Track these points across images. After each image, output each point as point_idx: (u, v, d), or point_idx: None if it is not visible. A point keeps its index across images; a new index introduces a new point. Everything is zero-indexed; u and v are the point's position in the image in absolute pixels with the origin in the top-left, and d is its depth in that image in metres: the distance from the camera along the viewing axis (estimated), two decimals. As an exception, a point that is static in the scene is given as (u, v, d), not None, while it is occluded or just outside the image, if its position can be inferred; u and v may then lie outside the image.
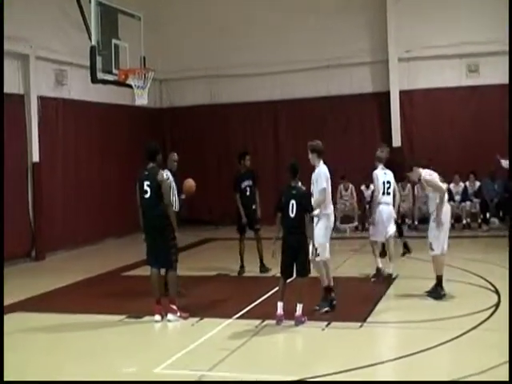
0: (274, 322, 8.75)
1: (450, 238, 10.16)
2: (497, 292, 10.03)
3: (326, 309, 9.31)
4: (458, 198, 17.38)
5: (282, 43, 19.31)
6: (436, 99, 18.47)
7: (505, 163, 15.18)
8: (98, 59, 11.82)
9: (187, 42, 20.04)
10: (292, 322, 8.69)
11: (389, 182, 11.46)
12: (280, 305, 8.74)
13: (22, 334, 8.94)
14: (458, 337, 7.89)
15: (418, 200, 17.12)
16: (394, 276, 11.39)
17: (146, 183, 9.24)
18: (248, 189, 12.54)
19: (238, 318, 9.17)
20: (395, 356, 7.47)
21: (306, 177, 9.31)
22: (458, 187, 17.58)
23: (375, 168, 11.56)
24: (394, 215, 11.67)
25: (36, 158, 15.49)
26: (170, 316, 9.17)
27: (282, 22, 19.27)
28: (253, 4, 19.66)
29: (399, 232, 12.82)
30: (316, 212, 9.17)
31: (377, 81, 19.10)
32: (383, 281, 11.21)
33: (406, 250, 13.15)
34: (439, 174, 10.18)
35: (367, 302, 9.93)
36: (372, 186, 13.05)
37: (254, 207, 12.55)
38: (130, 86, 12.55)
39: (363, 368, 6.97)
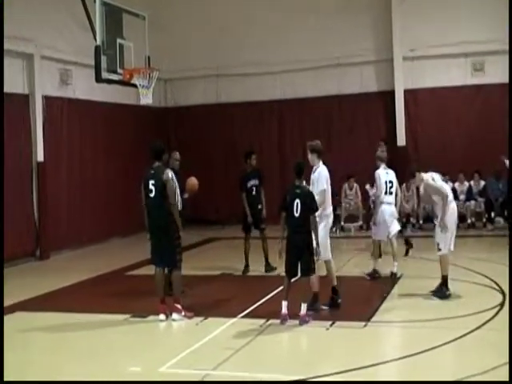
0: (278, 321, 8.75)
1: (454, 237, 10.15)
2: (501, 291, 10.01)
3: (324, 307, 9.35)
4: (462, 197, 17.35)
5: (287, 43, 19.26)
6: (441, 98, 18.41)
7: (507, 163, 15.19)
8: (103, 59, 11.86)
9: (192, 41, 20.01)
10: (296, 322, 8.69)
11: (391, 182, 11.47)
12: (284, 304, 8.74)
13: (25, 333, 8.96)
14: (462, 336, 7.89)
15: (423, 200, 17.07)
16: (398, 275, 11.40)
17: (151, 182, 9.23)
18: (254, 188, 12.54)
19: (242, 317, 9.18)
20: (399, 356, 7.46)
21: (307, 177, 9.30)
22: (462, 186, 17.57)
23: (377, 167, 11.57)
24: (397, 215, 11.68)
25: (41, 157, 15.50)
26: (174, 315, 9.18)
27: (283, 22, 19.22)
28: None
29: (400, 231, 12.82)
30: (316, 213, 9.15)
31: (381, 80, 19.06)
32: (375, 280, 11.32)
33: (408, 246, 13.16)
34: (443, 174, 10.16)
35: (372, 301, 9.94)
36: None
37: (259, 207, 12.53)
38: (134, 86, 12.56)
39: (367, 367, 6.96)
